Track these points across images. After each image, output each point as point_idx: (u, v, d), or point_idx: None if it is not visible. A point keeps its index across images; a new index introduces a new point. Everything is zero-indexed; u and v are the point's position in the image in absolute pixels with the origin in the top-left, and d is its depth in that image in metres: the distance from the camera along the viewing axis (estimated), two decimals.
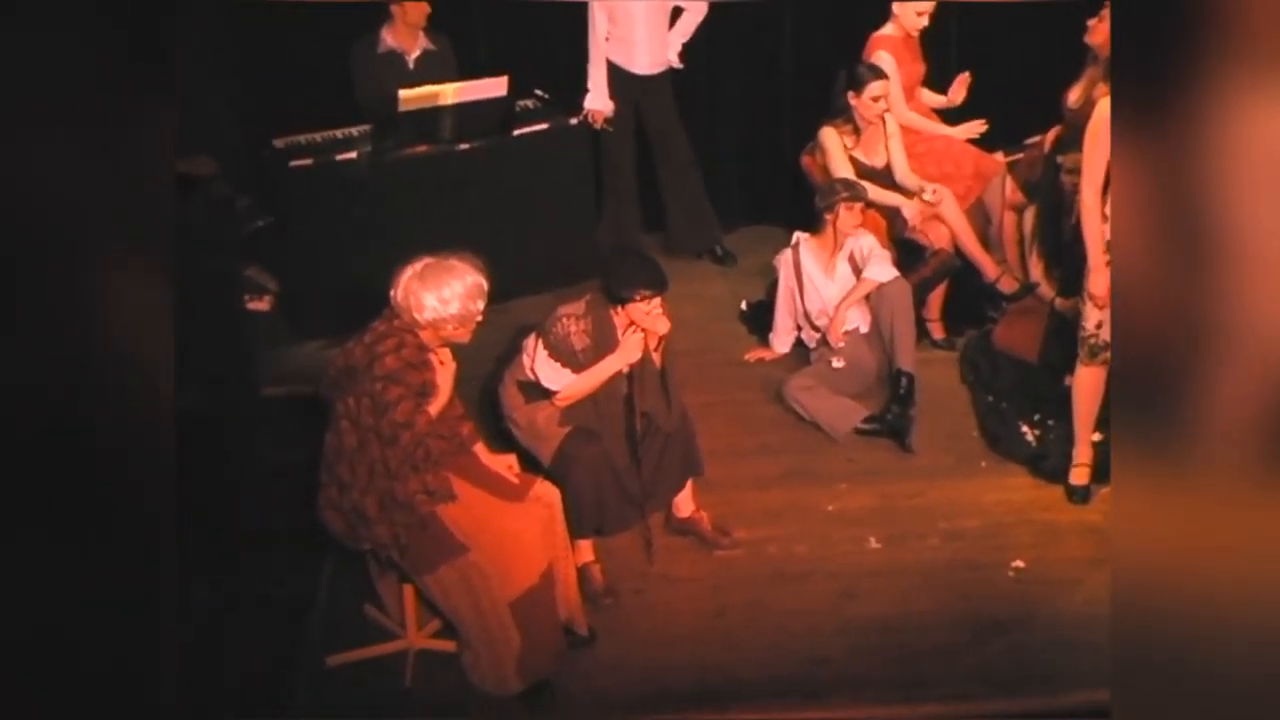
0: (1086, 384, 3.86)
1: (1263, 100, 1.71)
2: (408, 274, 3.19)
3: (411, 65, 4.97)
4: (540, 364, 3.67)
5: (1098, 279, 3.61)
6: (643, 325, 3.63)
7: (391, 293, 3.20)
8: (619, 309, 3.63)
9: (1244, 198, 1.74)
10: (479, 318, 3.22)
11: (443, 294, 3.15)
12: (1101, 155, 3.42)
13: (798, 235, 4.71)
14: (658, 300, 3.60)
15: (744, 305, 5.16)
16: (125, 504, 1.69)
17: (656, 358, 3.73)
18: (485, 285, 3.21)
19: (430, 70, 4.94)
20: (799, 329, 4.82)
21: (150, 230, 1.73)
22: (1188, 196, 1.77)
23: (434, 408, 3.26)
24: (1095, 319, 3.72)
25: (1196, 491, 1.74)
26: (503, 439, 3.89)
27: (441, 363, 3.29)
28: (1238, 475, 1.74)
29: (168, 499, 1.77)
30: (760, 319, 5.01)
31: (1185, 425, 1.76)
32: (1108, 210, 3.50)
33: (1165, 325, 1.79)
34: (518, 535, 3.33)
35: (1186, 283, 1.78)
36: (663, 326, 3.65)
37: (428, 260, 3.20)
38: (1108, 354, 3.72)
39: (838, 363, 4.57)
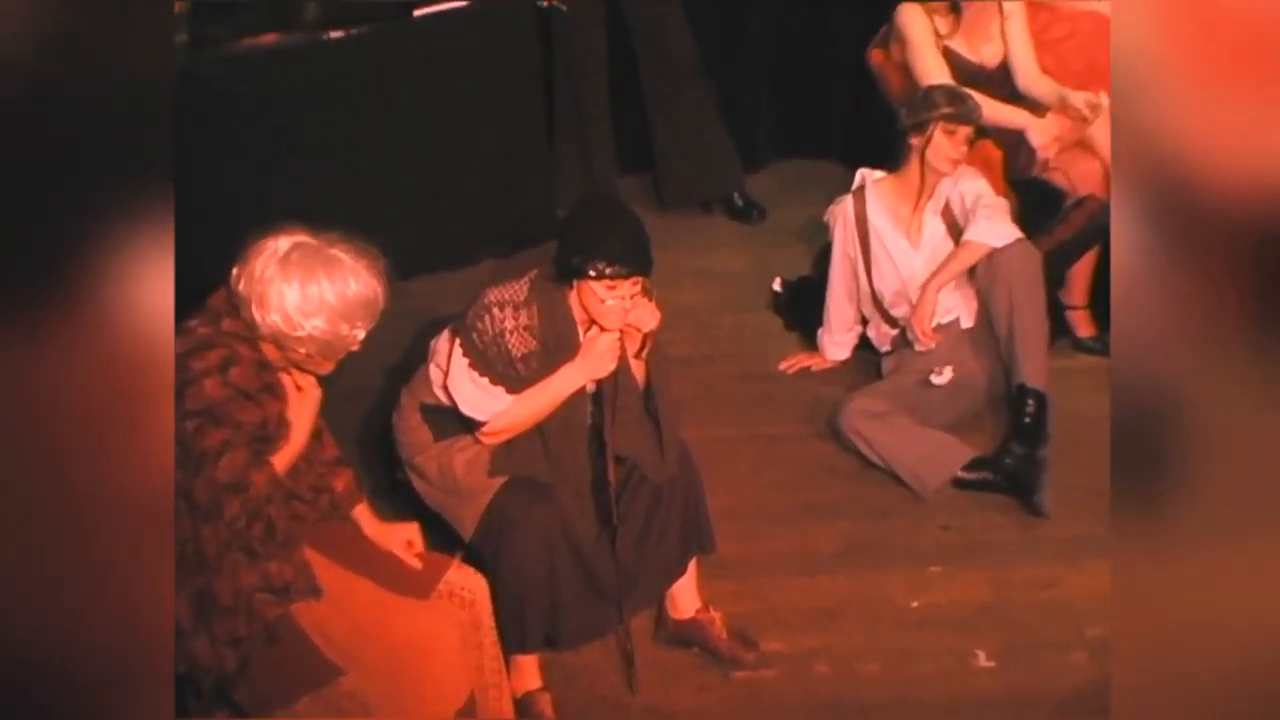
0: None
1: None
2: (266, 251, 3.16)
3: None
4: (458, 379, 3.64)
5: None
6: (604, 321, 3.58)
7: (233, 272, 3.18)
8: (573, 288, 3.61)
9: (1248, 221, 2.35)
10: (355, 347, 3.20)
11: (309, 293, 3.12)
12: None
13: (863, 175, 4.63)
14: (631, 283, 3.55)
15: (777, 285, 5.11)
16: None
17: (638, 369, 3.70)
18: (380, 299, 3.19)
19: None
20: (863, 322, 4.75)
21: None
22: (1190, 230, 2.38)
23: (281, 459, 3.24)
24: None
25: (1200, 551, 2.36)
26: (399, 497, 3.87)
27: (299, 388, 3.27)
28: (1245, 535, 2.33)
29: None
30: (803, 307, 4.95)
31: (1190, 481, 2.36)
32: None
33: (1169, 367, 2.39)
34: (421, 649, 3.31)
35: (1192, 319, 2.38)
36: (648, 321, 3.62)
37: (301, 237, 3.17)
38: None
39: (937, 377, 4.53)
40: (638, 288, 3.58)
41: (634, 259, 3.56)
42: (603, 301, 3.56)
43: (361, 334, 3.18)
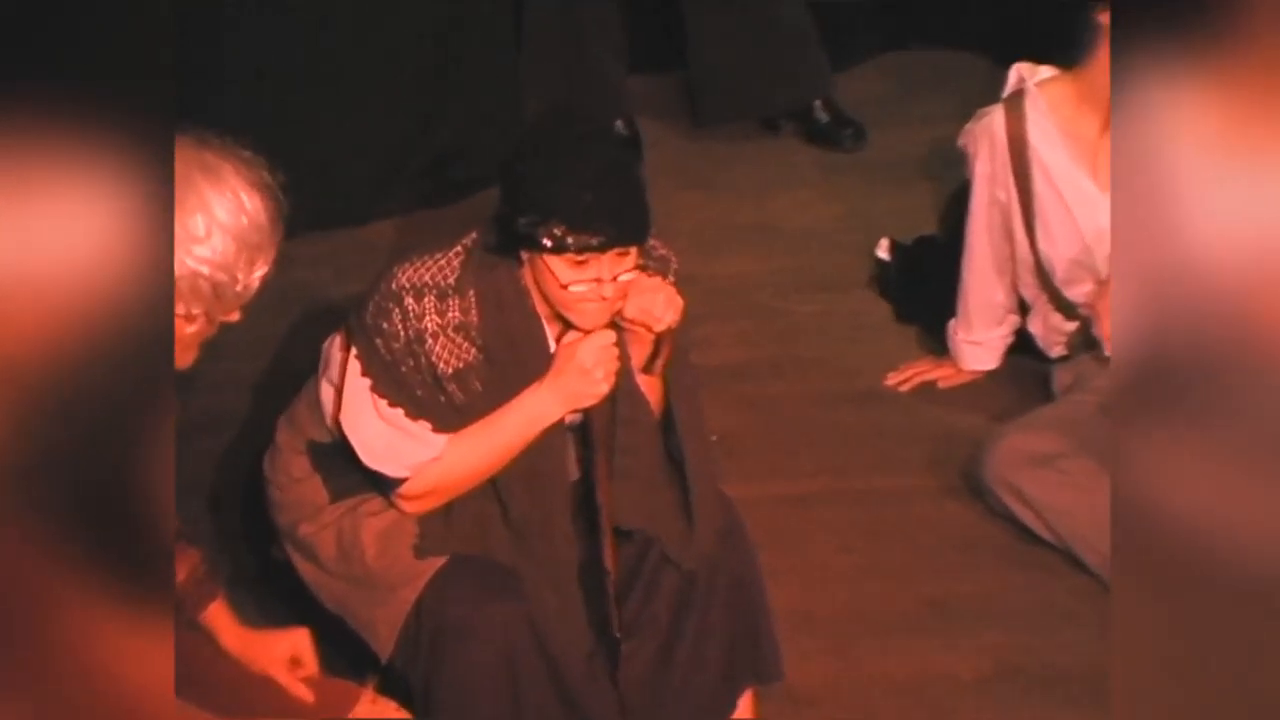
0: None
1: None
2: None
3: None
4: (356, 410, 3.49)
5: None
6: (574, 316, 3.40)
7: None
8: (524, 264, 3.42)
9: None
10: (248, 299, 3.12)
11: (191, 223, 3.04)
12: None
13: (1020, 74, 4.42)
14: (614, 256, 3.33)
15: (884, 251, 4.95)
16: None
17: (651, 390, 3.53)
18: (279, 226, 3.14)
19: None
20: (1021, 311, 4.57)
21: None
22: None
23: None
24: None
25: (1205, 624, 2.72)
26: (275, 590, 3.80)
27: None
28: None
29: None
30: (924, 285, 4.80)
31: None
32: None
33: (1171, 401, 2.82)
34: None
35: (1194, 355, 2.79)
36: (661, 313, 3.42)
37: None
38: None
39: None
40: (627, 262, 3.31)
41: (613, 219, 3.32)
42: (564, 286, 3.29)
43: (259, 276, 3.10)
